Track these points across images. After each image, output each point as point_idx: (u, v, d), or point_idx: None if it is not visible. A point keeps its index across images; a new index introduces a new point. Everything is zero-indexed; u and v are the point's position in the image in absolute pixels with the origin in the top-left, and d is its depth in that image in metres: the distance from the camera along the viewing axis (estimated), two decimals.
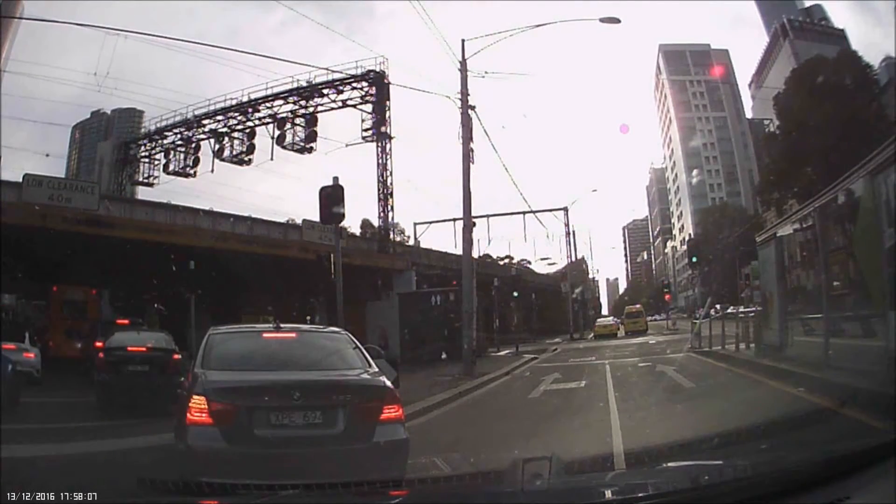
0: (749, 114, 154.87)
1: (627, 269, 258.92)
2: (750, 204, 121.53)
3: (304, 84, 49.85)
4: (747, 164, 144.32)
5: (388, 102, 49.82)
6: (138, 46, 65.08)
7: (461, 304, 31.77)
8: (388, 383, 9.22)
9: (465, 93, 30.09)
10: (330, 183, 21.08)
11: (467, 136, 30.06)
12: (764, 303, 25.38)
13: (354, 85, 49.82)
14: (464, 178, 30.15)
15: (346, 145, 50.32)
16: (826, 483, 4.21)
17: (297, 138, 50.54)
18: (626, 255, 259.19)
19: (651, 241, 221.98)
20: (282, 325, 10.31)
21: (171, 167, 55.00)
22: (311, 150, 50.50)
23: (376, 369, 9.65)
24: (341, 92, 50.25)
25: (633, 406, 15.90)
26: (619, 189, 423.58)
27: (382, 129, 49.56)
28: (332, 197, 20.80)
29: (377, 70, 48.89)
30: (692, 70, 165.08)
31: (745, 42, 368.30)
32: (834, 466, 4.43)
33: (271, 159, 51.42)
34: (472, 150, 30.33)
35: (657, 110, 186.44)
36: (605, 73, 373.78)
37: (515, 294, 57.75)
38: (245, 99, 51.68)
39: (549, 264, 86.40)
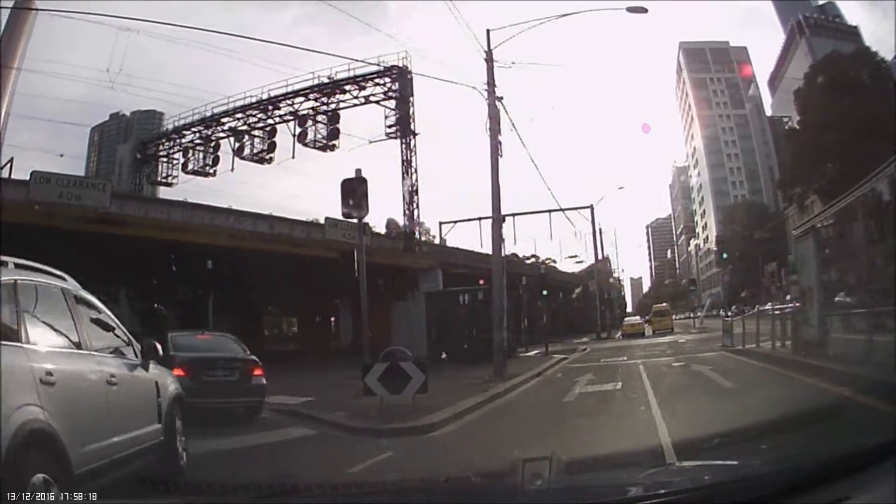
0: (768, 111, 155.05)
1: (651, 268, 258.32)
2: (771, 201, 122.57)
3: (326, 80, 49.31)
4: (768, 162, 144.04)
5: (411, 98, 49.28)
6: (151, 42, 64.64)
7: (490, 303, 30.73)
8: (256, 358, 18.41)
9: (491, 83, 29.02)
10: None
11: (495, 129, 29.02)
12: (802, 298, 24.45)
13: (377, 81, 49.41)
14: (492, 172, 29.03)
15: (370, 142, 49.69)
16: (826, 483, 4.15)
17: (319, 135, 50.16)
18: (649, 254, 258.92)
19: (674, 239, 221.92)
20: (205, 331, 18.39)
21: (191, 166, 54.65)
22: (333, 147, 50.21)
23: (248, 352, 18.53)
24: (363, 88, 49.88)
25: (676, 410, 14.53)
26: (642, 187, 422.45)
27: (406, 125, 48.88)
28: (354, 190, 19.91)
29: (400, 65, 48.28)
30: (712, 68, 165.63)
31: (759, 40, 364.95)
32: (834, 466, 4.37)
33: (293, 157, 51.28)
34: (501, 143, 29.30)
35: (679, 108, 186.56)
36: (626, 71, 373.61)
37: (545, 293, 56.56)
38: (265, 96, 51.27)
39: (577, 262, 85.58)
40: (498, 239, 30.25)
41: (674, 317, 76.66)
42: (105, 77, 79.57)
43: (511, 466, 5.18)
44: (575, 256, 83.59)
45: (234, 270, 36.34)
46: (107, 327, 9.48)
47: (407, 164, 48.64)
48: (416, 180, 49.28)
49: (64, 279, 8.86)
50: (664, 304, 78.47)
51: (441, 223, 68.00)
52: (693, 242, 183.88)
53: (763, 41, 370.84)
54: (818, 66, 69.28)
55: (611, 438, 12.38)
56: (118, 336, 9.70)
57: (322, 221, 44.16)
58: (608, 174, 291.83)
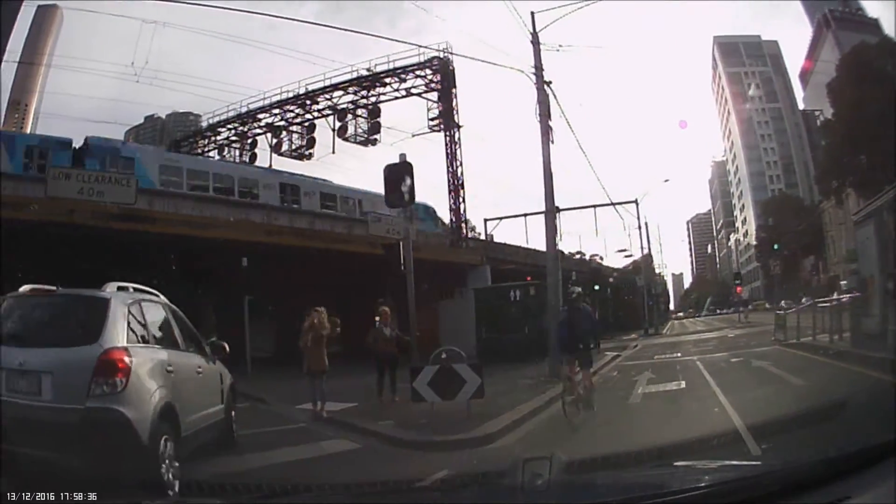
0: (801, 104, 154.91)
1: (692, 263, 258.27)
2: (807, 194, 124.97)
3: (365, 73, 48.18)
4: (802, 156, 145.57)
5: (454, 90, 48.11)
6: (176, 36, 63.57)
7: (541, 298, 30.11)
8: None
9: (539, 66, 27.56)
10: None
11: (545, 114, 27.53)
12: (862, 287, 24.07)
13: (418, 73, 48.19)
14: (544, 159, 27.54)
15: (413, 135, 48.46)
16: (826, 483, 4.11)
17: (360, 130, 48.92)
18: (690, 249, 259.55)
19: (714, 234, 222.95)
20: None
21: None
22: (374, 142, 48.90)
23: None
24: (404, 80, 48.55)
25: (755, 414, 12.42)
26: (682, 183, 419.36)
27: (450, 116, 47.71)
28: (399, 176, 18.27)
29: (441, 56, 47.14)
30: (746, 62, 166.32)
31: (787, 33, 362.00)
32: (834, 466, 4.32)
33: (333, 152, 49.76)
34: (551, 129, 27.77)
35: (716, 102, 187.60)
36: (663, 65, 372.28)
37: (596, 287, 55.18)
38: (302, 91, 50.11)
39: (626, 256, 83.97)
40: (552, 229, 28.72)
41: (717, 312, 76.47)
42: (135, 76, 78.26)
43: (511, 466, 5.01)
44: (624, 251, 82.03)
45: (272, 269, 34.98)
46: (189, 330, 12.32)
47: (451, 157, 47.44)
48: (462, 174, 48.23)
49: (158, 296, 11.73)
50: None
51: (486, 220, 66.74)
52: (733, 237, 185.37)
53: (789, 35, 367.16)
54: (847, 58, 69.03)
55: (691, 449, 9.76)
56: (195, 337, 12.58)
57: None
58: (647, 169, 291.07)
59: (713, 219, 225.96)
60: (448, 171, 47.55)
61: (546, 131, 27.59)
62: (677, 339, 50.99)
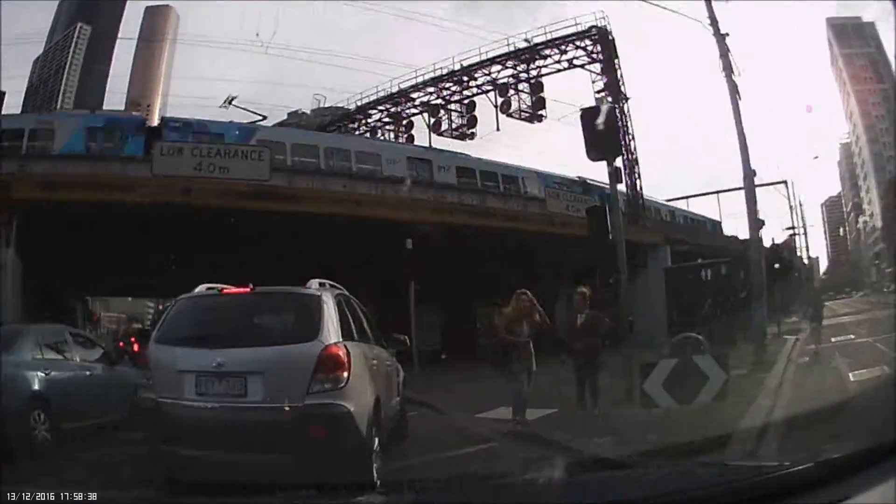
0: None
1: (827, 247, 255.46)
2: None
3: (524, 45, 45.32)
4: None
5: (616, 60, 44.98)
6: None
7: (734, 276, 29.80)
8: None
9: (714, 21, 25.91)
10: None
11: (728, 66, 25.82)
12: None
13: (577, 43, 45.08)
14: (735, 118, 25.47)
15: (580, 110, 44.59)
16: (826, 483, 4.08)
17: (524, 105, 46.14)
18: (825, 232, 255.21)
19: (844, 217, 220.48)
20: None
21: None
22: (540, 117, 46.21)
23: None
24: (565, 52, 45.51)
25: None
26: (812, 165, 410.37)
27: (616, 89, 44.11)
28: (601, 122, 15.36)
29: (598, 25, 44.26)
30: (855, 43, 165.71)
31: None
32: (834, 467, 4.27)
33: (497, 129, 47.28)
34: (737, 85, 25.88)
35: (836, 84, 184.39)
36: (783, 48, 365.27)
37: (776, 266, 51.98)
38: (457, 67, 47.35)
39: (792, 234, 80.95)
40: (752, 197, 26.62)
41: (855, 295, 79.57)
42: (263, 49, 77.99)
43: (511, 466, 5.93)
44: (792, 229, 78.90)
45: (439, 252, 32.04)
46: (373, 323, 12.20)
47: (623, 131, 43.55)
48: (635, 148, 45.70)
49: (343, 290, 11.34)
50: None
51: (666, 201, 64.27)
52: (861, 219, 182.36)
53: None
54: None
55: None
56: (378, 330, 12.51)
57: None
58: (776, 151, 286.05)
59: (843, 201, 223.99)
60: (621, 145, 43.58)
61: (734, 88, 25.87)
62: (837, 320, 47.92)
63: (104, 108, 70.91)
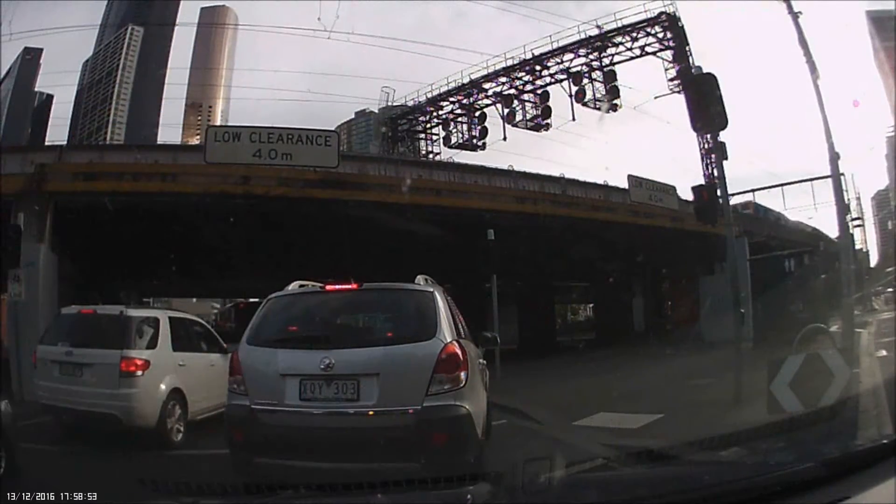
0: None
1: (878, 240, 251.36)
2: None
3: (595, 32, 45.08)
4: None
5: (688, 47, 44.40)
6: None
7: (815, 267, 29.74)
8: None
9: None
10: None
11: (804, 40, 23.28)
12: None
13: (647, 30, 44.88)
14: (817, 97, 22.95)
15: (655, 98, 45.02)
16: (826, 483, 4.24)
17: (598, 94, 45.55)
18: (875, 225, 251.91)
19: (893, 211, 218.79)
20: None
21: (454, 140, 50.64)
22: (615, 107, 45.44)
23: None
24: (636, 39, 45.24)
25: None
26: (861, 159, 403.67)
27: (688, 75, 43.32)
28: (704, 92, 14.81)
29: (667, 11, 43.94)
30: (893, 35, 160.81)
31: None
32: (834, 467, 4.44)
33: (573, 119, 46.75)
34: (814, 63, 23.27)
35: (879, 76, 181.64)
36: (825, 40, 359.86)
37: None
38: (528, 56, 47.01)
39: (857, 226, 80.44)
40: (838, 186, 24.59)
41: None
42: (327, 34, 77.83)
43: (511, 466, 5.03)
44: (857, 219, 78.34)
45: (520, 243, 31.26)
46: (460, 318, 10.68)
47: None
48: (710, 136, 43.76)
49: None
50: None
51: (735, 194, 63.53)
52: None
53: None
54: None
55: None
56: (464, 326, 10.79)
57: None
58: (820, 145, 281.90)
59: (892, 194, 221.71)
60: (698, 133, 42.71)
61: (813, 66, 23.06)
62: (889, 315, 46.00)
63: (161, 110, 71.94)
